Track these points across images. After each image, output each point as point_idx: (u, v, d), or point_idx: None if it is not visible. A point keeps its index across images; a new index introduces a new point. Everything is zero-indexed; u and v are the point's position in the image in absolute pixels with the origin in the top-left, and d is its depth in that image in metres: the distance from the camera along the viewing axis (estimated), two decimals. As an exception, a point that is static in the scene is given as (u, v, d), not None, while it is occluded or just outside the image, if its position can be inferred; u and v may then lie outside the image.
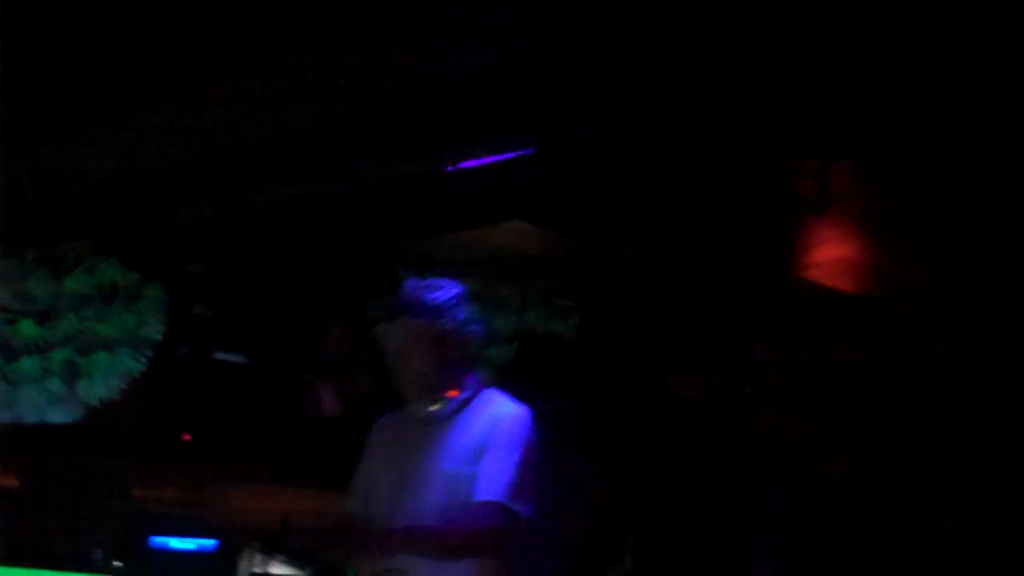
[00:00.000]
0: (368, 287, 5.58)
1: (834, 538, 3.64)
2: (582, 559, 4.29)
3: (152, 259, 5.89)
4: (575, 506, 4.28)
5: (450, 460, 3.61)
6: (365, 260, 5.85)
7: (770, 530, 3.76)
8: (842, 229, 4.74)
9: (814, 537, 3.67)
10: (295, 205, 5.17)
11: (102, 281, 5.79)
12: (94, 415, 5.80)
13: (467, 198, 4.99)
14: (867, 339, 4.22)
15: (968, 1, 3.20)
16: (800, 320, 4.13)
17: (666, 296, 5.08)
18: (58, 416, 5.74)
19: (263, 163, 4.58)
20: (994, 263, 4.35)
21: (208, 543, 3.49)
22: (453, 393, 3.67)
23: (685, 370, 4.62)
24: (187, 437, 6.87)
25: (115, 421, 6.04)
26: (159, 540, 3.62)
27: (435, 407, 3.67)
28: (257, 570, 3.19)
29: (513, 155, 4.45)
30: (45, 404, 5.70)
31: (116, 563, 3.33)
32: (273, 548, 3.23)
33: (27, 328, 5.67)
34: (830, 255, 4.71)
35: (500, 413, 3.64)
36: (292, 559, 3.23)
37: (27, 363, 5.65)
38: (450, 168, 4.65)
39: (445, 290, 3.72)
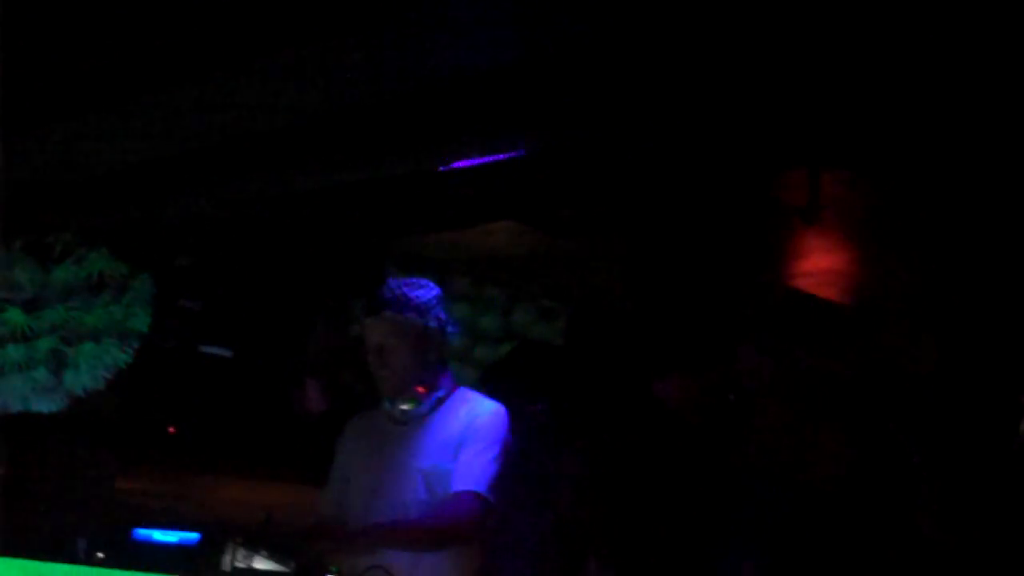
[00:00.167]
0: (355, 285, 5.60)
1: (816, 545, 3.66)
2: (557, 561, 4.30)
3: (141, 251, 5.89)
4: (550, 508, 4.30)
5: (428, 457, 3.64)
6: (353, 258, 5.86)
7: (753, 536, 3.77)
8: (831, 239, 4.75)
9: (796, 544, 3.68)
10: (285, 201, 5.17)
11: (90, 272, 5.78)
12: (79, 405, 5.80)
13: (458, 198, 5.00)
14: (853, 349, 4.23)
15: (958, 11, 3.21)
16: (787, 329, 4.15)
17: (654, 300, 5.09)
18: (43, 405, 5.73)
19: (254, 158, 4.59)
20: (982, 276, 4.37)
21: (191, 536, 3.49)
22: (422, 390, 3.70)
23: (671, 374, 4.63)
24: (172, 430, 6.87)
25: (100, 412, 6.03)
26: (142, 532, 3.62)
27: (409, 406, 3.70)
28: (240, 564, 3.19)
29: (504, 156, 4.46)
30: (30, 393, 5.69)
31: (99, 554, 3.33)
32: (256, 543, 3.23)
33: (14, 316, 5.66)
34: (819, 265, 4.73)
35: (477, 410, 3.68)
36: (275, 554, 3.23)
37: (13, 351, 5.64)
38: (443, 168, 4.66)
39: (428, 289, 3.76)
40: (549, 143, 4.35)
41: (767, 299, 4.65)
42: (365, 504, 3.66)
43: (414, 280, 3.79)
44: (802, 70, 3.58)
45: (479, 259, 6.01)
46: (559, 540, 4.31)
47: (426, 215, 5.35)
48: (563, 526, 4.30)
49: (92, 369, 5.72)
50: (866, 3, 3.18)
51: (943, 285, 4.49)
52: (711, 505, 4.02)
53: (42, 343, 5.69)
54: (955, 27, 3.24)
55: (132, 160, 4.73)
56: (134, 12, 3.59)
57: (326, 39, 3.55)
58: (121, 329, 5.80)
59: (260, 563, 3.21)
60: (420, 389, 3.70)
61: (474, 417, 3.66)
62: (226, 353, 6.62)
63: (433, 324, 3.72)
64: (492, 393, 3.79)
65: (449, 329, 3.78)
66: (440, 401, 3.73)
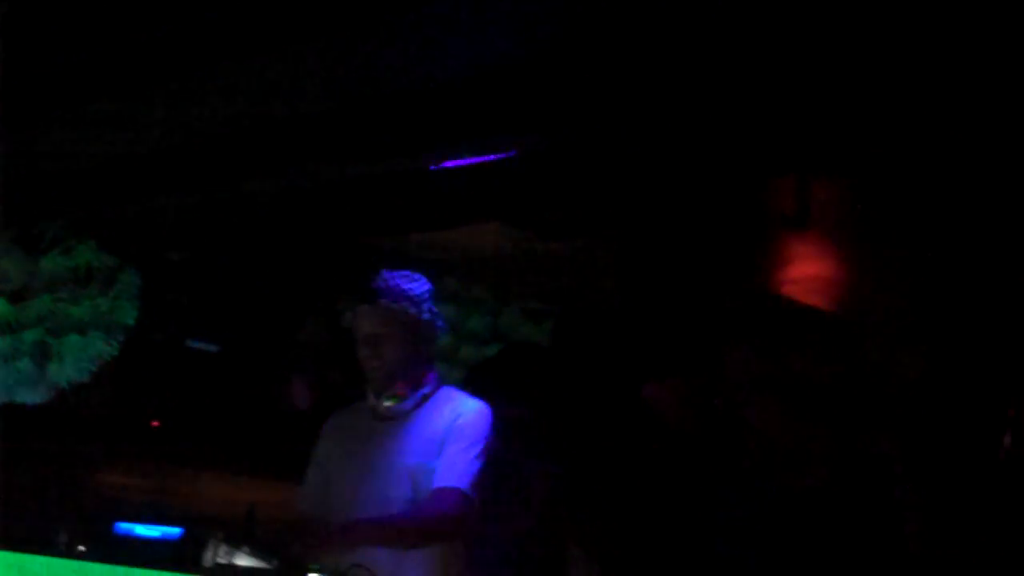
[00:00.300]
0: (343, 283, 5.59)
1: (803, 549, 3.67)
2: (536, 563, 4.31)
3: (129, 244, 5.88)
4: (530, 511, 4.30)
5: (414, 454, 3.62)
6: (341, 256, 5.85)
7: (740, 540, 3.78)
8: (819, 246, 4.76)
9: (783, 547, 3.69)
10: (275, 197, 5.17)
11: (78, 263, 5.78)
12: (63, 398, 5.78)
13: (447, 198, 5.00)
14: (840, 356, 4.24)
15: (948, 20, 3.22)
16: (774, 335, 4.15)
17: (642, 303, 5.09)
18: (27, 397, 5.72)
19: (245, 155, 4.58)
20: (970, 284, 4.38)
21: (173, 531, 3.48)
22: (403, 387, 3.69)
23: (658, 378, 4.63)
24: (156, 424, 6.86)
25: (84, 405, 6.02)
26: (124, 526, 3.61)
27: (393, 402, 3.68)
28: (222, 560, 3.18)
29: (494, 157, 4.46)
30: (14, 384, 5.67)
31: (80, 547, 3.31)
32: (239, 539, 3.22)
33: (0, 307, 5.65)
34: (807, 271, 4.73)
35: (462, 408, 3.67)
36: (257, 551, 3.22)
37: (-2, 342, 5.63)
38: (432, 167, 4.66)
39: (420, 283, 3.75)
40: (539, 144, 4.35)
41: (754, 304, 4.66)
42: (349, 501, 3.64)
43: (407, 272, 3.78)
44: (792, 77, 3.59)
45: (467, 259, 6.02)
46: (539, 538, 4.31)
47: (415, 215, 5.35)
48: (543, 524, 4.30)
49: (77, 361, 5.71)
50: (855, 10, 3.19)
51: (930, 293, 4.50)
52: (696, 506, 4.03)
53: (27, 334, 5.68)
54: (944, 35, 3.26)
55: (122, 153, 4.73)
56: (125, 7, 3.59)
57: (316, 39, 3.55)
58: (107, 322, 5.79)
59: (242, 559, 3.19)
60: (408, 386, 3.69)
61: (458, 415, 3.65)
62: (212, 348, 6.61)
63: (426, 316, 3.71)
64: (477, 394, 3.78)
65: (439, 323, 3.77)
66: (425, 398, 3.71)
